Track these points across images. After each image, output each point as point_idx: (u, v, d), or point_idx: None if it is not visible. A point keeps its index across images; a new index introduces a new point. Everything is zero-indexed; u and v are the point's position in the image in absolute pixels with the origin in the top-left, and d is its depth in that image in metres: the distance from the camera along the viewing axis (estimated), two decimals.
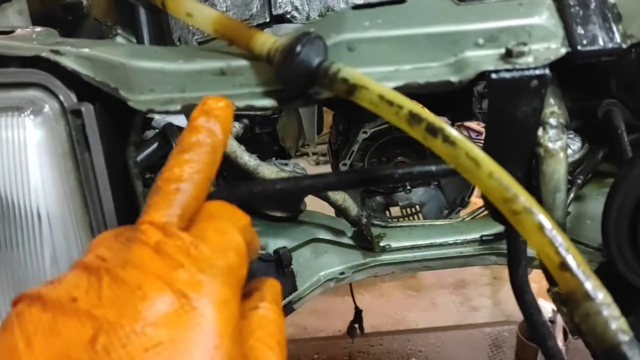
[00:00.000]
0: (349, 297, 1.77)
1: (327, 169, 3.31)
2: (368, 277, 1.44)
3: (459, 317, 2.71)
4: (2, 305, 0.59)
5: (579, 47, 0.56)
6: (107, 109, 0.60)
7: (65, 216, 0.58)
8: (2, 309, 0.59)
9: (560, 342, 2.24)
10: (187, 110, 0.58)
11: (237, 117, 1.35)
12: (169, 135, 0.98)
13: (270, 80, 0.58)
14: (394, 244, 1.38)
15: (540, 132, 0.58)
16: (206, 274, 0.38)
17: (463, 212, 1.69)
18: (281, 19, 1.55)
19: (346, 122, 1.67)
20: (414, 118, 0.48)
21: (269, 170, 1.21)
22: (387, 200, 1.71)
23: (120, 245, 0.39)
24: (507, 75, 0.54)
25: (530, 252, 0.87)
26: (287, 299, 1.33)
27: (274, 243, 1.29)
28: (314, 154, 4.04)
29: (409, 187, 1.67)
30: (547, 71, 0.53)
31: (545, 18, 0.57)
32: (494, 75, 0.54)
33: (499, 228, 1.29)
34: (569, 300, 0.43)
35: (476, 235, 1.39)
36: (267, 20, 1.53)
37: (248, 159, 1.20)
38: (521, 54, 0.54)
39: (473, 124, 3.49)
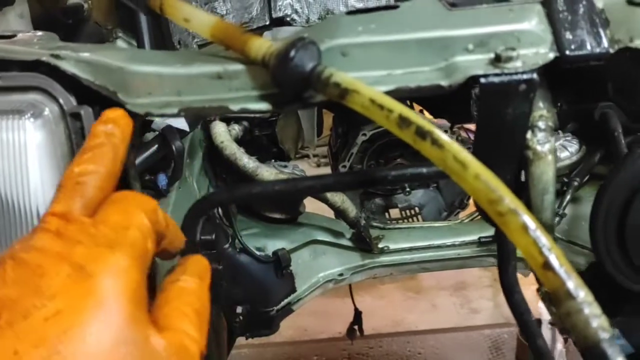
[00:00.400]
0: (349, 298, 1.78)
1: (327, 170, 3.32)
2: (367, 279, 1.45)
3: (458, 319, 2.72)
4: None
5: (567, 52, 0.57)
6: None
7: None
8: None
9: (560, 345, 2.25)
10: (184, 113, 0.60)
11: (237, 120, 1.36)
12: (168, 138, 0.99)
13: (265, 84, 0.59)
14: (393, 246, 1.39)
15: (529, 135, 0.59)
16: (104, 247, 0.41)
17: (462, 214, 1.71)
18: (281, 21, 1.55)
19: (345, 125, 1.68)
20: (403, 121, 0.49)
21: (268, 172, 1.23)
22: (386, 202, 1.72)
23: (26, 236, 0.42)
24: (496, 79, 0.55)
25: None
26: (286, 300, 1.34)
27: (273, 244, 1.31)
28: (314, 155, 4.05)
29: (408, 189, 1.68)
30: (535, 75, 0.55)
31: (534, 23, 0.58)
32: (483, 80, 0.55)
33: None
34: (553, 299, 0.44)
35: (474, 237, 1.40)
36: (267, 23, 1.54)
37: (247, 161, 1.22)
38: (509, 59, 0.55)
39: (472, 126, 3.50)
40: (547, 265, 0.43)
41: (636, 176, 0.68)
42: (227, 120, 1.32)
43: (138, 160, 0.92)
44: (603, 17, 0.59)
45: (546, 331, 2.20)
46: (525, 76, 0.55)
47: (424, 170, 0.60)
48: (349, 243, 1.38)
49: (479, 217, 1.46)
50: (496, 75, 0.55)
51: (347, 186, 0.72)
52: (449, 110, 1.00)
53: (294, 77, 0.55)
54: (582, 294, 0.43)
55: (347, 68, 0.57)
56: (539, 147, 0.59)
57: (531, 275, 1.19)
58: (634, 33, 0.58)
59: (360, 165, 1.60)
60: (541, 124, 0.59)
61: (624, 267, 0.68)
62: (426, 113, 1.38)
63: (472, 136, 3.48)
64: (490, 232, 1.35)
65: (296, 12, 1.56)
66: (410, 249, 1.40)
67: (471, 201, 1.67)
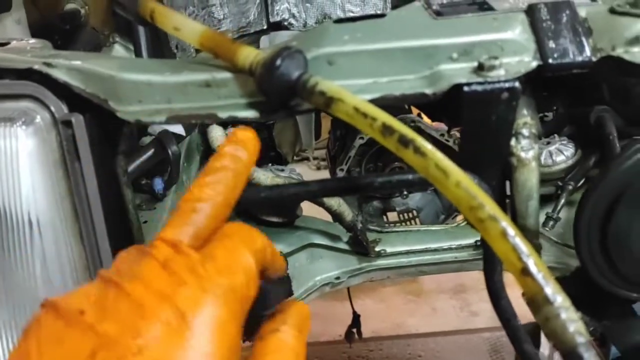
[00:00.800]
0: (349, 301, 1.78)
1: (327, 174, 3.33)
2: (364, 282, 1.45)
3: (458, 322, 2.72)
4: None
5: (550, 61, 0.58)
6: (96, 119, 0.62)
7: (55, 223, 0.61)
8: None
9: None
10: (173, 120, 0.60)
11: (234, 124, 1.37)
12: (164, 142, 1.00)
13: (253, 92, 0.60)
14: (390, 249, 1.39)
15: (513, 142, 0.60)
16: (208, 292, 0.39)
17: (459, 218, 1.71)
18: (278, 26, 1.56)
19: (343, 128, 1.69)
20: (386, 129, 0.50)
21: (264, 176, 1.23)
22: (384, 205, 1.72)
23: (133, 259, 0.41)
24: (479, 87, 0.56)
25: None
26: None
27: None
28: (314, 158, 4.04)
29: (405, 193, 1.69)
30: (517, 84, 0.55)
31: (518, 32, 0.59)
32: (466, 88, 0.56)
33: None
34: (533, 304, 0.45)
35: (471, 241, 1.40)
36: (265, 27, 1.55)
37: None
38: (492, 68, 0.56)
39: None
40: (525, 271, 0.44)
41: (620, 181, 0.69)
42: (225, 124, 1.33)
43: (134, 165, 0.93)
44: (586, 26, 0.59)
45: None
46: (507, 84, 0.56)
47: (410, 176, 0.61)
48: (345, 246, 1.38)
49: None
50: (479, 83, 0.56)
51: (333, 192, 0.72)
52: (447, 113, 1.01)
53: (280, 86, 0.56)
54: (559, 299, 0.43)
55: (333, 76, 0.58)
56: (522, 154, 0.60)
57: None
58: (616, 42, 0.58)
59: (358, 168, 1.61)
60: (525, 131, 0.59)
61: (607, 271, 0.68)
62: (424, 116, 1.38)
63: None
64: None
65: (294, 16, 1.57)
66: (407, 252, 1.40)
67: None
